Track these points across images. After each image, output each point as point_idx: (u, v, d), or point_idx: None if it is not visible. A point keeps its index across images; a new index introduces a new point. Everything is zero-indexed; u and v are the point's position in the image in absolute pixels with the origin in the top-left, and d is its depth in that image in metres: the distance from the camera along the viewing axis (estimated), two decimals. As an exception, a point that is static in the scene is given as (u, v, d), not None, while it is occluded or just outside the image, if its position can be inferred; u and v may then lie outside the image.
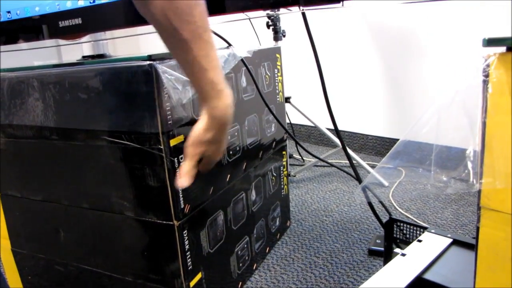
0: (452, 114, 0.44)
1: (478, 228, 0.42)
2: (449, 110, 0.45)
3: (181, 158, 0.78)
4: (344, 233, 1.31)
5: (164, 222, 0.80)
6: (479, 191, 0.42)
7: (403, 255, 0.76)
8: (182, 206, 0.80)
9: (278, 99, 1.23)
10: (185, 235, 0.81)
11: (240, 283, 1.06)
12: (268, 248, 1.21)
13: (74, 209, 0.91)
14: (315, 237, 1.29)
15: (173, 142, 0.76)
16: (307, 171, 1.92)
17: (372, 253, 1.17)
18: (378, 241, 1.19)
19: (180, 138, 0.78)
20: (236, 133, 0.98)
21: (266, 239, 1.19)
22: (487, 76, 0.40)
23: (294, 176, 1.86)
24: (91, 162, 0.84)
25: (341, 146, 1.78)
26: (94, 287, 0.96)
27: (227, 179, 0.96)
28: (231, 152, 0.96)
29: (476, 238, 0.42)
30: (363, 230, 1.32)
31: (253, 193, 1.09)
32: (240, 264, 1.04)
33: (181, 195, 0.79)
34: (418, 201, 1.53)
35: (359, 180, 0.94)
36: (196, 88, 0.62)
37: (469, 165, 0.42)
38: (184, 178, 0.65)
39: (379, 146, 2.12)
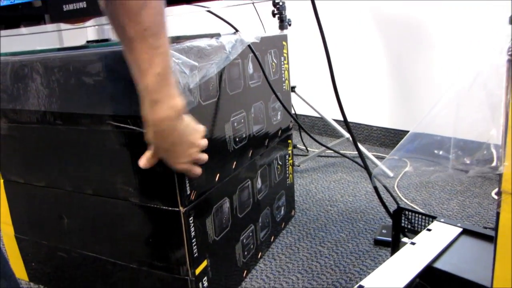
0: (473, 95, 0.43)
1: (498, 214, 0.41)
2: (470, 92, 0.43)
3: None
4: (349, 223, 1.30)
5: (170, 208, 0.79)
6: (500, 175, 0.40)
7: (413, 244, 0.75)
8: (188, 192, 0.79)
9: (284, 87, 1.21)
10: (191, 222, 0.80)
11: (245, 271, 1.05)
12: (273, 237, 1.20)
13: (78, 195, 0.90)
14: (320, 226, 1.28)
15: (180, 127, 0.75)
16: (311, 161, 1.91)
17: (378, 243, 1.16)
18: (384, 231, 1.18)
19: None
20: (242, 120, 0.97)
21: (271, 228, 1.18)
22: (512, 55, 0.39)
23: (298, 166, 1.85)
24: (95, 148, 0.83)
25: (346, 137, 1.77)
26: (97, 274, 0.95)
27: (233, 166, 0.94)
28: (237, 139, 0.95)
29: (496, 224, 0.41)
30: (369, 220, 1.31)
31: (259, 181, 1.08)
32: (245, 253, 1.03)
33: (187, 182, 0.78)
34: (423, 192, 1.52)
35: (367, 170, 0.93)
36: (139, 92, 0.61)
37: (492, 147, 0.41)
38: (141, 160, 0.70)
39: (383, 137, 2.10)
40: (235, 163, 0.95)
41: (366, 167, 0.93)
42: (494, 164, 0.41)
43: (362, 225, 1.28)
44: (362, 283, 0.63)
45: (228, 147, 0.92)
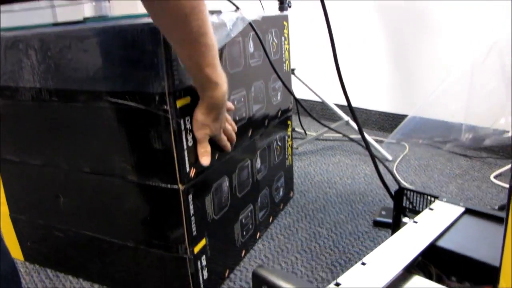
0: (487, 65, 0.41)
1: (510, 188, 0.40)
2: (484, 62, 0.42)
3: (188, 120, 0.75)
4: (348, 205, 1.29)
5: (169, 186, 0.78)
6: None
7: (415, 222, 0.74)
8: (188, 170, 0.77)
9: (284, 67, 1.19)
10: (190, 200, 0.79)
11: (244, 251, 1.04)
12: (271, 218, 1.19)
13: (74, 173, 0.88)
14: (318, 208, 1.28)
15: (179, 103, 0.73)
16: (309, 144, 1.90)
17: (377, 224, 1.15)
18: (383, 212, 1.18)
19: (186, 100, 0.75)
20: (242, 99, 0.95)
21: (270, 208, 1.17)
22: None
23: (297, 148, 1.84)
24: (92, 125, 0.81)
25: (345, 120, 1.76)
26: (94, 253, 0.94)
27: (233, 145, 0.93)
28: (237, 118, 0.93)
29: (508, 199, 0.40)
30: (368, 202, 1.30)
31: (258, 161, 1.06)
32: (244, 233, 1.02)
33: (186, 159, 0.77)
34: (422, 175, 1.51)
35: (369, 150, 0.91)
36: (193, 80, 0.72)
37: (509, 117, 0.39)
38: (203, 157, 0.78)
39: (382, 121, 2.09)
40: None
41: (368, 148, 0.91)
42: (510, 133, 0.40)
43: (361, 207, 1.27)
44: (364, 260, 0.62)
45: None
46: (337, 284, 0.57)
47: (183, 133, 0.75)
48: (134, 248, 0.88)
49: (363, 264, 0.62)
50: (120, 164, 0.81)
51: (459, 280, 0.66)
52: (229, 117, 0.84)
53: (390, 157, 1.66)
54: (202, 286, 0.86)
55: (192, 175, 0.79)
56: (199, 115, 0.74)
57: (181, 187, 0.77)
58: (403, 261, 0.62)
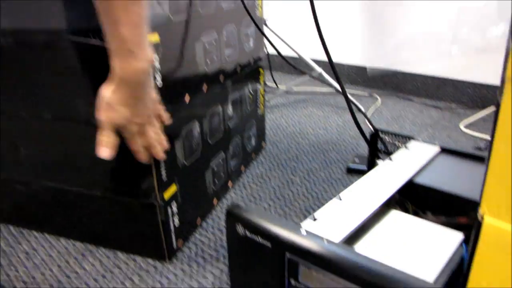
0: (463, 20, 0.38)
1: (498, 105, 0.38)
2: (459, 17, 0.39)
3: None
4: (321, 153, 1.28)
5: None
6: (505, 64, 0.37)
7: (391, 160, 0.73)
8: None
9: (257, 13, 1.14)
10: (158, 142, 0.75)
11: (216, 199, 1.02)
12: (243, 167, 1.17)
13: (35, 121, 0.82)
14: (291, 157, 1.26)
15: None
16: (281, 97, 1.87)
17: (350, 171, 1.14)
18: (357, 160, 1.17)
19: (155, 37, 0.70)
20: (214, 42, 0.91)
21: (242, 157, 1.14)
22: None
23: (268, 101, 1.80)
24: (53, 66, 0.75)
25: (318, 71, 1.72)
26: (59, 206, 0.90)
27: (204, 89, 0.89)
28: (208, 61, 0.89)
29: (496, 113, 0.38)
30: (340, 151, 1.29)
31: (230, 108, 1.03)
32: (216, 181, 1.00)
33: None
34: (394, 125, 1.51)
35: (345, 96, 0.89)
36: (107, 41, 0.57)
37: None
38: (101, 148, 0.63)
39: (354, 75, 2.07)
40: (205, 84, 0.89)
41: (344, 93, 0.89)
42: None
43: (334, 155, 1.26)
44: (341, 195, 0.60)
45: (198, 68, 0.86)
46: (314, 219, 0.55)
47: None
48: (101, 197, 0.84)
49: (340, 199, 0.60)
50: (84, 108, 0.76)
51: (435, 215, 0.66)
52: (158, 126, 0.71)
53: (362, 109, 1.64)
54: (173, 234, 0.84)
55: (161, 116, 0.75)
56: (105, 90, 0.61)
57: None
58: (381, 197, 0.61)
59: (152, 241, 0.83)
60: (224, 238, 0.90)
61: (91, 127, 0.76)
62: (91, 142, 0.78)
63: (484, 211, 0.41)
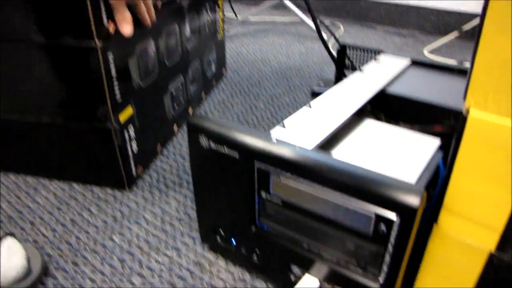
0: None
1: (483, 17, 0.34)
2: None
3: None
4: (284, 79, 1.23)
5: (84, 45, 0.66)
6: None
7: (361, 71, 0.69)
8: (106, 23, 0.65)
9: None
10: (111, 59, 0.68)
11: (176, 125, 0.96)
12: (203, 94, 1.11)
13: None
14: (253, 83, 1.21)
15: None
16: (240, 27, 1.79)
17: (315, 95, 1.10)
18: (321, 83, 1.13)
19: None
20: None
21: (202, 83, 1.08)
22: None
23: (227, 31, 1.72)
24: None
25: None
26: (5, 138, 0.82)
27: (158, 4, 0.81)
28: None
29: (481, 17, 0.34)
30: (304, 76, 1.25)
31: (187, 28, 0.95)
32: (175, 106, 0.94)
33: (103, 10, 0.64)
34: (357, 51, 1.47)
35: (318, 28, 0.83)
36: None
37: None
38: (123, 24, 0.68)
39: (316, 3, 2.00)
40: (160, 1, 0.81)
41: (317, 26, 0.83)
42: None
43: (298, 80, 1.22)
44: (311, 103, 0.56)
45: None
46: (284, 126, 0.51)
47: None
48: (50, 124, 0.76)
49: (310, 107, 0.56)
50: (22, 22, 0.67)
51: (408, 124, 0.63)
52: None
53: (325, 37, 1.59)
54: (132, 160, 0.78)
55: (112, 31, 0.67)
56: None
57: (98, 43, 0.65)
58: (353, 105, 0.57)
59: (109, 169, 0.77)
60: (187, 164, 0.86)
61: (31, 45, 0.68)
62: (33, 62, 0.70)
63: (469, 103, 0.38)
